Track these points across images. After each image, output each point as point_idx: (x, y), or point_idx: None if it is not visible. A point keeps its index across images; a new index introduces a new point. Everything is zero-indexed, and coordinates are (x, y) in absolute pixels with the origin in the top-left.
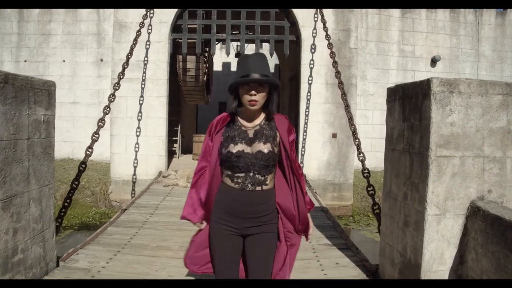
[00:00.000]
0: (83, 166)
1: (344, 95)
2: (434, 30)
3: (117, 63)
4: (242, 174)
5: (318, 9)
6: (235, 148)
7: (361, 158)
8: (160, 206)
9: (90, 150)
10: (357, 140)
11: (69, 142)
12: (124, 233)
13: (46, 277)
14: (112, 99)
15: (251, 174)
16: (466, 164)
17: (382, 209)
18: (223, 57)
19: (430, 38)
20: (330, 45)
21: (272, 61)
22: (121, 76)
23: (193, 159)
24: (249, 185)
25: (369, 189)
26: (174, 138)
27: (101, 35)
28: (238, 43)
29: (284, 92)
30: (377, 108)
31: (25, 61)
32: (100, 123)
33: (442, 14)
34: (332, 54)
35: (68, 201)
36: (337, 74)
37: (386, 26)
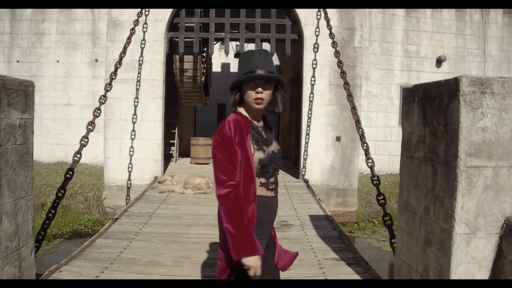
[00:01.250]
0: (70, 173)
1: (350, 96)
2: (440, 30)
3: (111, 63)
4: (273, 179)
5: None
6: (269, 150)
7: (370, 164)
8: (155, 214)
9: (78, 155)
10: (365, 144)
11: (63, 145)
12: (114, 246)
13: None
14: (103, 101)
15: (276, 176)
16: (500, 175)
17: (398, 223)
18: (222, 57)
19: (435, 38)
20: (334, 44)
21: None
22: (113, 77)
23: (191, 163)
24: (277, 189)
25: (379, 198)
26: (171, 141)
27: (96, 34)
28: (237, 43)
29: (285, 93)
30: (380, 110)
31: (18, 61)
32: (89, 126)
33: (448, 13)
34: (337, 53)
35: (53, 211)
36: (342, 74)
37: (390, 25)
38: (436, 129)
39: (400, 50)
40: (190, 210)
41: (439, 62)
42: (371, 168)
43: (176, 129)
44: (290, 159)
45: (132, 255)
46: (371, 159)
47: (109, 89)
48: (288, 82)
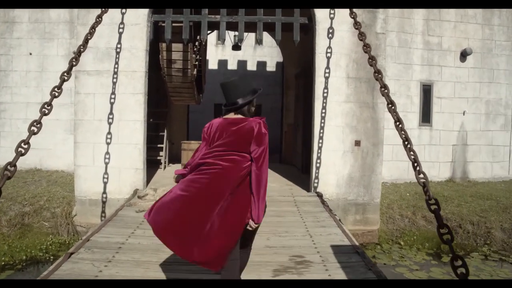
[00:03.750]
0: (11, 169)
1: (384, 88)
2: (464, 19)
3: (83, 52)
4: None
5: None
6: None
7: (422, 180)
8: (125, 246)
9: (25, 146)
10: (412, 153)
11: (36, 150)
12: None
13: None
14: (57, 93)
15: None
16: None
17: None
18: (219, 53)
19: (459, 28)
20: (357, 25)
21: (274, 59)
22: (74, 62)
23: None
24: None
25: (442, 231)
26: (159, 146)
27: (74, 23)
28: (236, 33)
29: (288, 91)
30: (398, 109)
31: None
32: (33, 128)
33: None
34: (361, 36)
35: None
36: (371, 61)
37: (409, 14)
38: None
39: (420, 42)
40: None
41: (463, 55)
42: (424, 185)
43: (165, 131)
44: (296, 166)
45: None
46: (423, 173)
47: (66, 78)
48: (292, 79)
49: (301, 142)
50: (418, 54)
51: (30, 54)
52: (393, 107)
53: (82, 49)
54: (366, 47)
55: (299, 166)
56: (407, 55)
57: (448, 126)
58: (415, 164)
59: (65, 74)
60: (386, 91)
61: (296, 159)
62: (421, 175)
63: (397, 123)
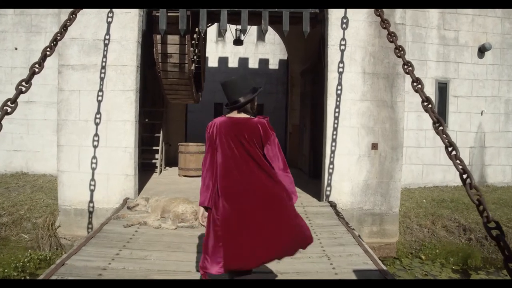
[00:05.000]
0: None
1: (417, 82)
2: (482, 12)
3: (67, 44)
4: None
5: None
6: None
7: (476, 197)
8: (106, 273)
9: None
10: (459, 163)
11: (22, 152)
12: None
13: None
14: (24, 88)
15: None
16: None
17: None
18: (219, 50)
19: (477, 22)
20: (379, 11)
21: (276, 57)
22: (48, 52)
23: (179, 175)
24: None
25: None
26: (155, 148)
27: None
28: (238, 27)
29: (293, 89)
30: (412, 109)
31: None
32: (35, 68)
33: None
34: (384, 23)
35: None
36: (398, 51)
37: None
38: None
39: (436, 36)
40: (165, 264)
41: (481, 51)
42: (480, 203)
43: (161, 132)
44: (302, 170)
45: None
46: (476, 188)
47: (37, 70)
48: (298, 76)
49: (308, 144)
50: (433, 49)
51: (16, 49)
52: (430, 106)
53: (59, 37)
54: (391, 36)
55: (306, 171)
56: (422, 51)
57: (465, 127)
58: (465, 176)
59: (36, 65)
60: (419, 86)
61: (302, 162)
62: (474, 190)
63: (437, 124)
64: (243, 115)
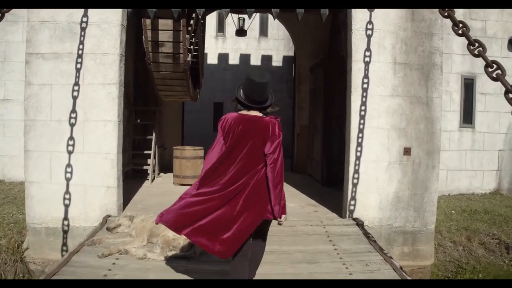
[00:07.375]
0: None
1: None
2: None
3: (36, 28)
4: None
5: None
6: None
7: None
8: None
9: None
10: None
11: None
12: None
13: None
14: None
15: None
16: None
17: None
18: (219, 46)
19: (506, 11)
20: (458, 28)
21: (280, 53)
22: None
23: (174, 183)
24: None
25: None
26: (146, 152)
27: None
28: (240, 16)
29: (301, 86)
30: None
31: None
32: None
33: None
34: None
35: None
36: (473, 47)
37: None
38: None
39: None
40: None
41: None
42: None
43: (154, 134)
44: (313, 176)
45: None
46: None
47: None
48: (306, 72)
49: (320, 147)
50: (458, 41)
51: None
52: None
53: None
54: (458, 28)
55: (318, 178)
56: (446, 43)
57: (493, 128)
58: None
59: None
60: (501, 73)
61: (313, 168)
62: None
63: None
64: (255, 113)
